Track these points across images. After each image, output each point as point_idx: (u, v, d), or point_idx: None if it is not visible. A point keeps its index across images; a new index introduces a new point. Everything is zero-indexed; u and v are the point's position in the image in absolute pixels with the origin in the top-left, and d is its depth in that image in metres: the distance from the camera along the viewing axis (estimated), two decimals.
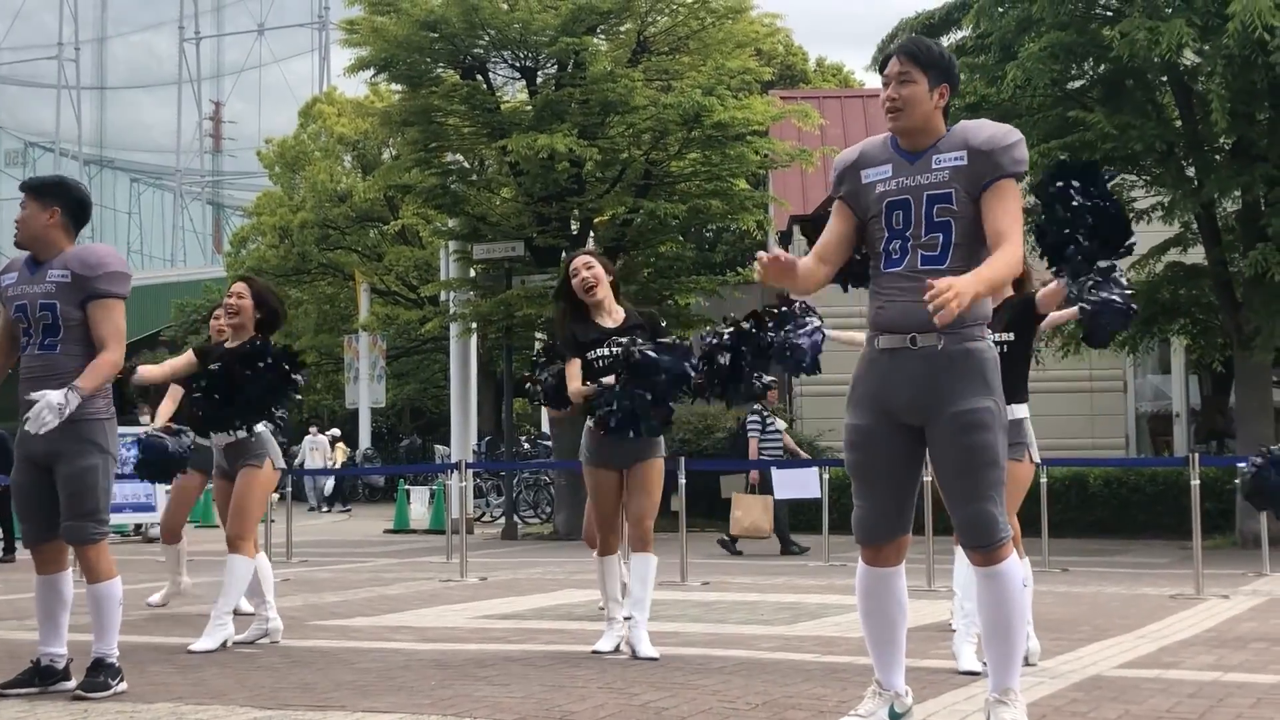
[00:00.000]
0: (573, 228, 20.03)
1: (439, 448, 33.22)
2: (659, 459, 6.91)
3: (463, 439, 23.23)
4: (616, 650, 6.85)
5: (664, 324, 7.14)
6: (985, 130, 4.51)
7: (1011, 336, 6.54)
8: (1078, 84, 16.55)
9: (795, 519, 18.88)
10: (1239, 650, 7.00)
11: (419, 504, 23.19)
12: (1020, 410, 6.39)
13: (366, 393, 34.61)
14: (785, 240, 23.84)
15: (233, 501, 7.53)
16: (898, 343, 4.46)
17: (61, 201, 5.91)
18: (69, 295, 5.80)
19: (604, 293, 6.93)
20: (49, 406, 5.50)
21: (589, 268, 6.93)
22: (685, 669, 6.31)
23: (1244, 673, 6.18)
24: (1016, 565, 4.45)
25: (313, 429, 30.84)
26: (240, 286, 7.59)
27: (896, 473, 4.54)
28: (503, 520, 21.28)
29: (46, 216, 5.88)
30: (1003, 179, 4.45)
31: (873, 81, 27.72)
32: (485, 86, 19.98)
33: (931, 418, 4.44)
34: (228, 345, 7.54)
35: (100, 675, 5.77)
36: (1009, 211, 4.45)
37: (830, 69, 41.58)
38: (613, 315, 6.97)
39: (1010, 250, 4.38)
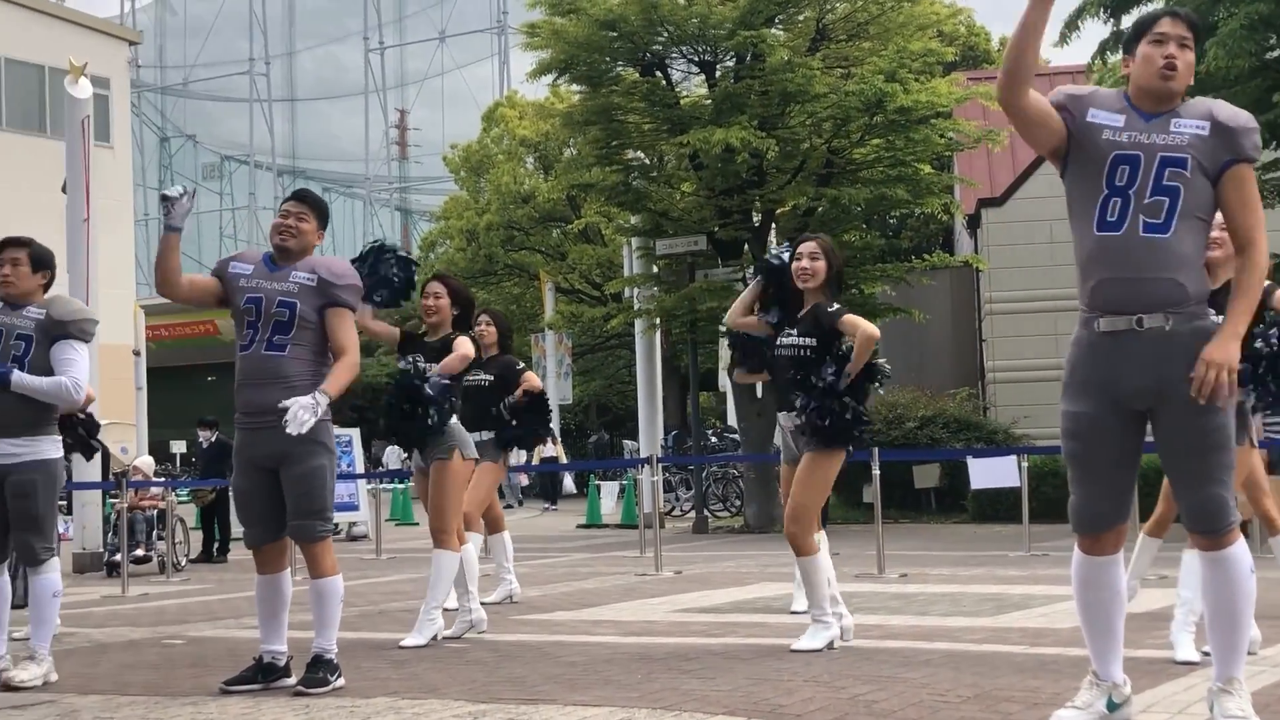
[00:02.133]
0: (754, 220, 20.00)
1: (627, 443, 33.52)
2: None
3: (650, 433, 23.39)
4: (830, 646, 6.75)
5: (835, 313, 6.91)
6: (1229, 109, 4.37)
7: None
8: (1276, 53, 15.96)
9: (993, 509, 18.62)
10: None
11: (609, 499, 23.43)
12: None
13: (554, 390, 35.02)
14: (975, 223, 23.47)
15: (430, 497, 7.69)
16: (1122, 325, 4.31)
17: (325, 220, 6.26)
18: (311, 298, 6.02)
19: (816, 283, 6.84)
20: (305, 407, 5.71)
21: (814, 258, 6.83)
22: (891, 662, 6.26)
23: None
24: (1245, 551, 4.31)
25: None
26: (437, 286, 7.79)
27: (1119, 460, 4.41)
28: (692, 514, 21.37)
29: (318, 237, 6.22)
30: (1241, 163, 4.32)
31: (1058, 59, 27.14)
32: (664, 83, 20.07)
33: (1160, 402, 4.30)
34: (427, 339, 7.73)
35: (320, 671, 5.95)
36: (1250, 204, 4.32)
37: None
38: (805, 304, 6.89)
39: (1256, 261, 4.31)
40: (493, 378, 9.31)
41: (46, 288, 6.64)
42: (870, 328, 6.68)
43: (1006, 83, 4.40)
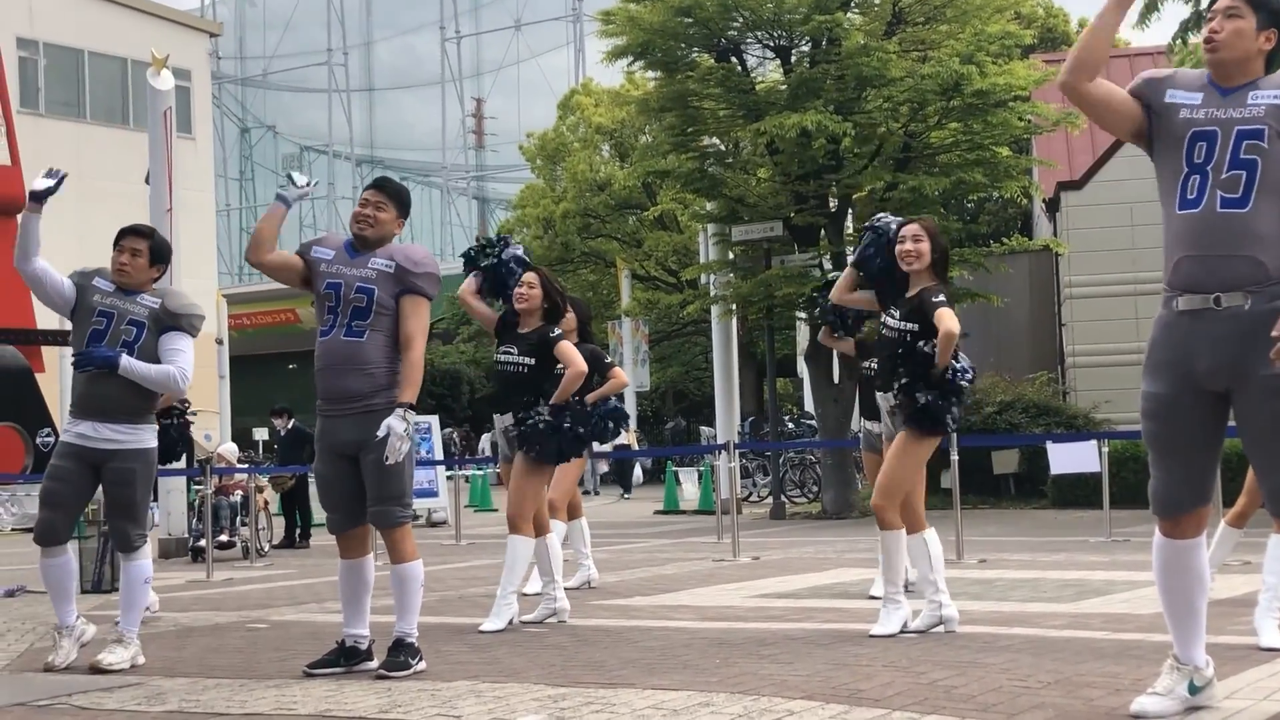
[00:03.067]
0: (830, 205, 19.91)
1: (704, 429, 33.53)
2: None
3: (727, 420, 23.37)
4: (903, 630, 6.76)
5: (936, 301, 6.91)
6: None
7: None
8: None
9: (1072, 494, 18.45)
10: None
11: (688, 485, 23.44)
12: None
13: (631, 377, 35.08)
14: (1054, 206, 23.22)
15: (511, 484, 7.77)
16: (1199, 304, 4.27)
17: (405, 209, 6.31)
18: (389, 284, 6.09)
19: (922, 266, 6.76)
20: (398, 435, 5.82)
21: (917, 240, 6.76)
22: (971, 647, 6.24)
23: None
24: None
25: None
26: (532, 276, 7.87)
27: (1198, 442, 4.37)
28: (769, 500, 21.34)
29: (398, 225, 6.27)
30: None
31: (1139, 41, 26.70)
32: (740, 68, 20.02)
33: (1239, 383, 4.25)
34: (520, 330, 7.79)
35: (401, 655, 6.03)
36: None
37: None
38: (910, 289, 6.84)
39: None
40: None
41: (158, 280, 6.77)
42: (951, 325, 6.59)
43: (1072, 68, 4.42)
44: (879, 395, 7.07)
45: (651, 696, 5.18)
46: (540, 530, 8.00)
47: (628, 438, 28.35)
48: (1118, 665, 5.57)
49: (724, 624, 7.50)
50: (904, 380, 6.69)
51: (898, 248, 6.79)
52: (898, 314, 6.79)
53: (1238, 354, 4.24)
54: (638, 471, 27.91)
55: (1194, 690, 4.48)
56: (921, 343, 6.68)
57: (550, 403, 7.61)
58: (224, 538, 15.10)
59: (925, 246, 6.75)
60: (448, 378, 41.72)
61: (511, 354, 7.73)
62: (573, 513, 9.85)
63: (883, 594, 6.90)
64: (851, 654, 6.13)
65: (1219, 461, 4.48)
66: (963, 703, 4.86)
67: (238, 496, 15.46)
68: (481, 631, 7.44)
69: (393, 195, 6.30)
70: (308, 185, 6.23)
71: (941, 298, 6.70)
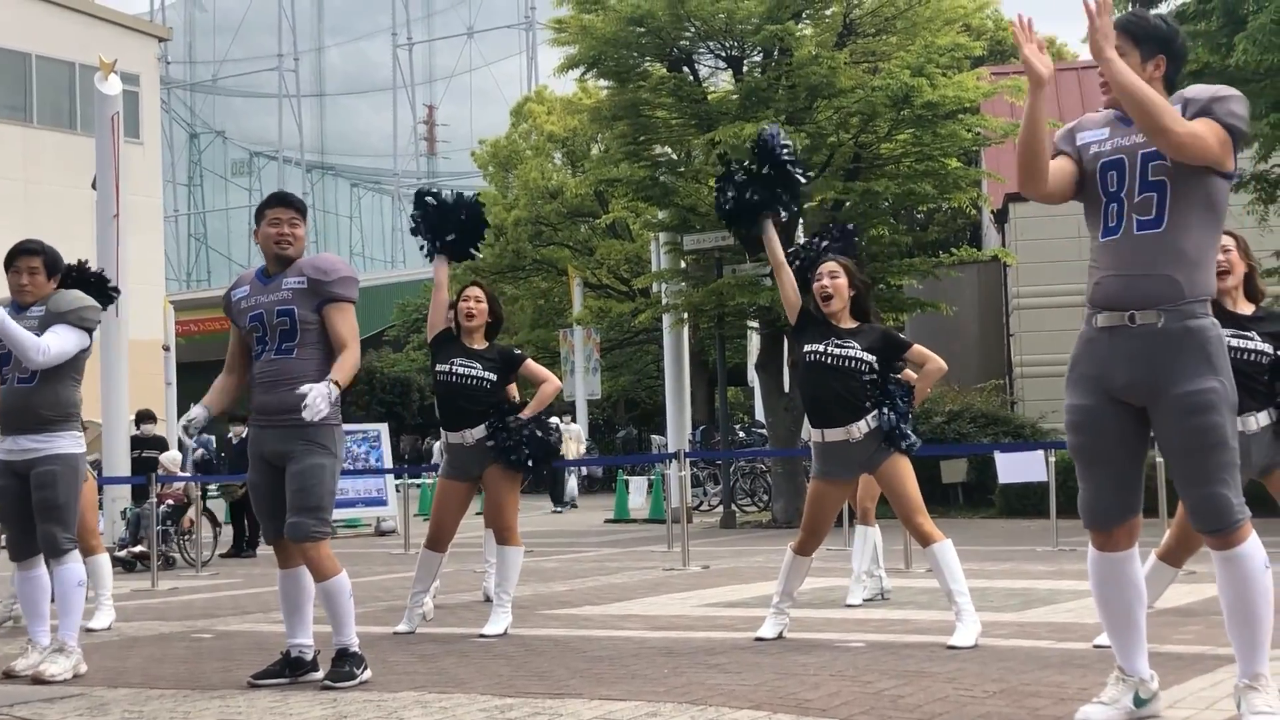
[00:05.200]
0: (782, 214, 19.94)
1: (655, 438, 33.52)
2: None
3: (678, 428, 23.38)
4: (780, 636, 6.98)
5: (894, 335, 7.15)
6: (1200, 87, 4.41)
7: (1269, 348, 6.37)
8: None
9: (1020, 503, 18.55)
10: None
11: (637, 494, 23.43)
12: (1264, 417, 6.41)
13: (582, 385, 35.11)
14: (1002, 218, 23.39)
15: (491, 498, 7.90)
16: (1116, 320, 4.35)
17: (304, 216, 6.32)
18: (306, 300, 6.06)
19: (837, 306, 6.97)
20: (321, 395, 5.75)
21: (834, 276, 6.99)
22: (918, 656, 6.26)
23: None
24: (1257, 547, 4.30)
25: (566, 417, 30.28)
26: (478, 291, 8.01)
27: (1121, 454, 4.42)
28: (720, 509, 21.37)
29: (304, 235, 6.29)
30: (1202, 117, 4.30)
31: (1087, 54, 26.81)
32: (692, 78, 20.06)
33: (1154, 399, 4.32)
34: (466, 343, 7.83)
35: (345, 665, 5.98)
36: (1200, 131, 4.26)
37: (1044, 41, 40.57)
38: (843, 323, 7.01)
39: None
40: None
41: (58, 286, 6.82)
42: (940, 360, 7.19)
43: (1027, 179, 4.45)
44: (829, 431, 7.00)
45: (599, 707, 5.17)
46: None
47: (565, 446, 28.27)
48: (1062, 674, 5.60)
49: (673, 633, 7.50)
50: (880, 408, 6.87)
51: (814, 284, 6.97)
52: (855, 344, 6.90)
53: (1152, 371, 4.31)
54: (572, 483, 27.71)
55: (1139, 702, 4.51)
56: (875, 375, 6.89)
57: (524, 416, 7.80)
58: (140, 548, 14.85)
59: (842, 283, 6.94)
60: (397, 385, 41.53)
61: (474, 369, 7.76)
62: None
63: (953, 605, 6.84)
64: (799, 663, 6.14)
65: (1143, 472, 4.52)
66: (909, 712, 4.88)
67: (167, 506, 15.23)
68: (483, 636, 7.52)
69: (301, 209, 6.32)
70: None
71: (901, 335, 7.17)
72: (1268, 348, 6.27)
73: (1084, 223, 4.58)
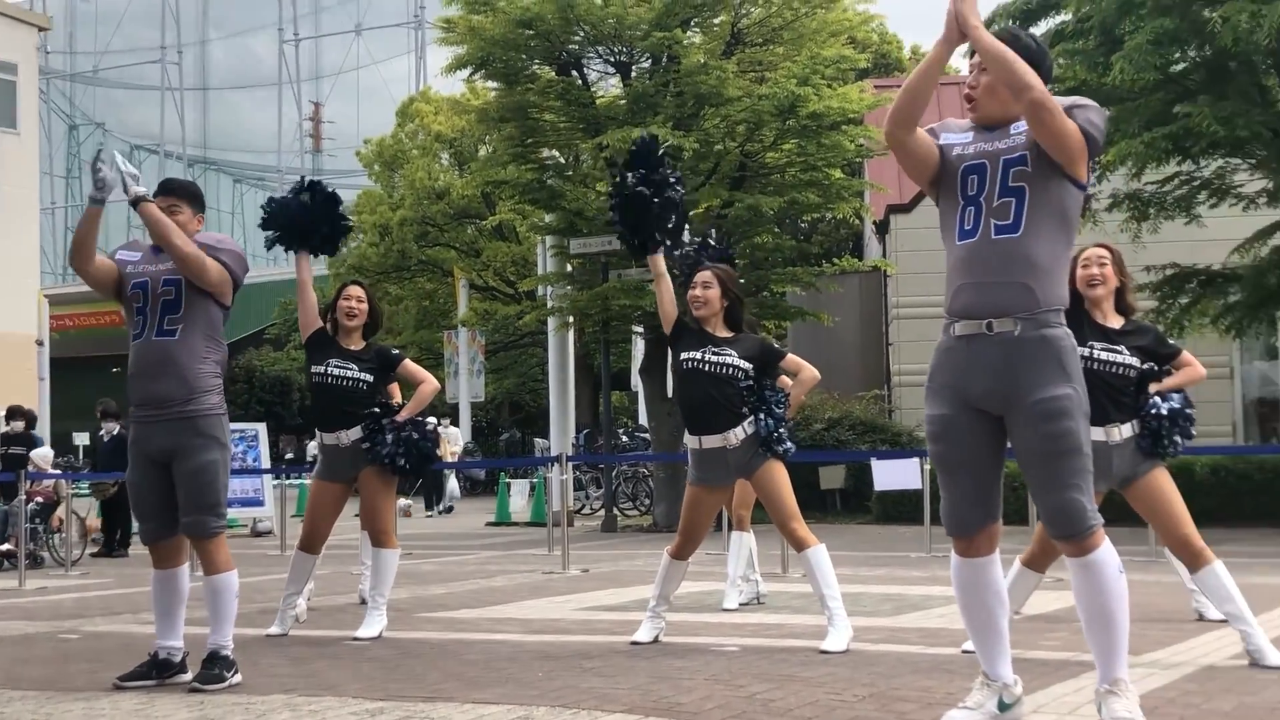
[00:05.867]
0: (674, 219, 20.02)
1: (538, 441, 33.46)
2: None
3: (561, 432, 23.38)
4: (656, 640, 7.03)
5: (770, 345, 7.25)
6: (1060, 98, 4.48)
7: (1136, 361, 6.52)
8: (1180, 67, 16.27)
9: (896, 510, 18.80)
10: None
11: (519, 497, 23.37)
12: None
13: (466, 387, 34.94)
14: (883, 229, 23.70)
15: (367, 500, 7.83)
16: (974, 329, 4.42)
17: (199, 204, 6.28)
18: None
19: (708, 314, 7.02)
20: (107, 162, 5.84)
21: (706, 286, 7.05)
22: (791, 661, 6.32)
23: None
24: (1111, 553, 4.38)
25: (445, 419, 29.92)
26: (359, 290, 7.99)
27: (979, 461, 4.50)
28: (602, 512, 21.39)
29: (197, 222, 6.22)
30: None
31: (966, 69, 27.30)
32: (580, 82, 20.06)
33: (1010, 407, 4.40)
34: (350, 347, 7.78)
35: (215, 668, 5.90)
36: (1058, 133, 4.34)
37: (925, 56, 41.24)
38: (719, 332, 7.07)
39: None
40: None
41: None
42: (814, 370, 7.24)
43: (899, 120, 4.52)
44: (706, 439, 7.04)
45: (471, 711, 5.15)
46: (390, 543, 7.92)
47: (442, 448, 27.95)
48: (930, 679, 5.69)
49: (550, 637, 7.49)
50: (757, 414, 6.94)
51: (688, 293, 7.07)
52: (732, 351, 6.97)
53: (1009, 379, 4.38)
54: (452, 486, 27.45)
55: (1003, 707, 4.58)
56: (752, 382, 6.96)
57: (401, 417, 7.74)
58: (7, 546, 14.50)
59: (714, 293, 6.99)
60: (277, 385, 41.00)
61: (350, 370, 7.70)
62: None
63: (826, 611, 6.89)
64: (674, 667, 6.17)
65: (1001, 480, 4.61)
66: (779, 715, 4.93)
67: (36, 503, 14.89)
68: (356, 639, 7.44)
69: (184, 195, 6.25)
70: (100, 164, 6.11)
71: (777, 344, 7.25)
72: (1135, 361, 6.41)
73: None
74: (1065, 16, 17.18)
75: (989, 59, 4.39)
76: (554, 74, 19.87)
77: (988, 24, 16.28)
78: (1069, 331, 4.46)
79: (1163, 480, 6.36)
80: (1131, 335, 6.48)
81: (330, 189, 7.94)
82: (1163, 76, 15.77)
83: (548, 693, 5.50)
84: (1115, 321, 6.52)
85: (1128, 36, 15.02)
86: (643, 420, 27.38)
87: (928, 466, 14.14)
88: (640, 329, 20.31)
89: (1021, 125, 4.46)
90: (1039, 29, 17.25)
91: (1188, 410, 6.50)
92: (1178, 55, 15.99)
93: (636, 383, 26.66)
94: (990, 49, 4.37)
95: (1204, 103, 14.90)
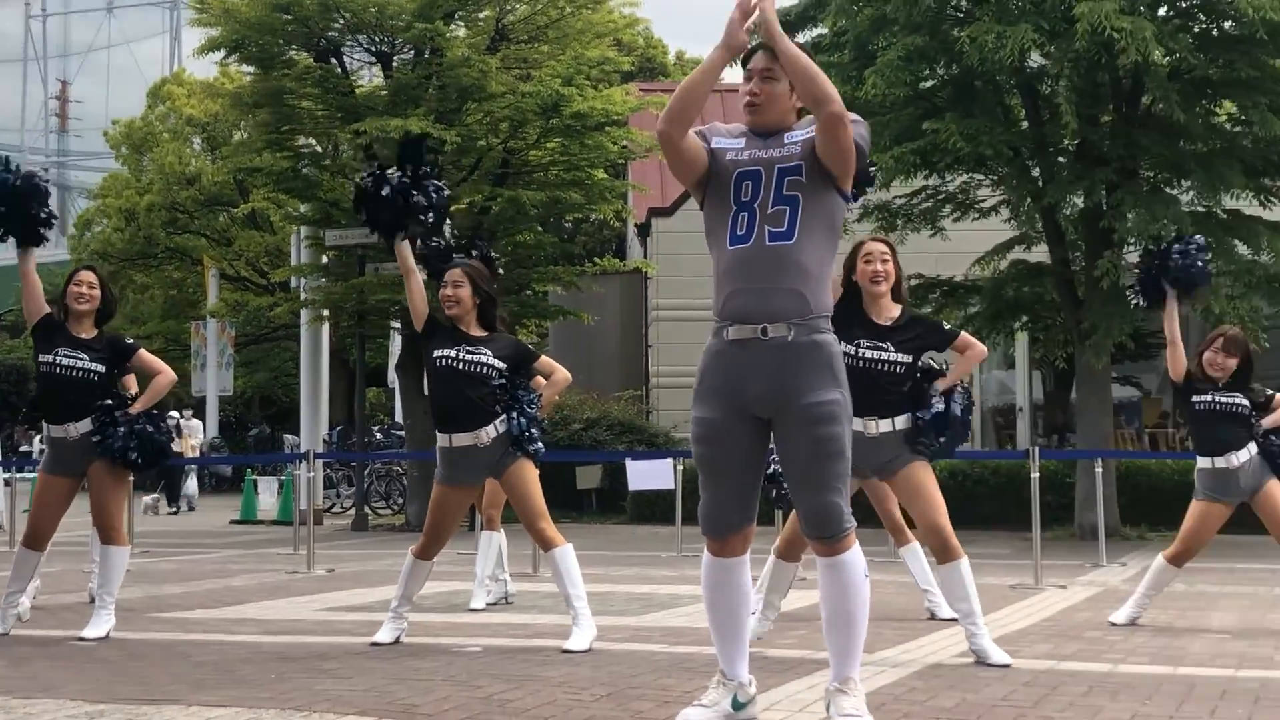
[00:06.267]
0: (429, 216, 19.80)
1: (288, 437, 32.75)
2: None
3: (312, 428, 22.89)
4: (397, 641, 6.90)
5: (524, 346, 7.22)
6: None
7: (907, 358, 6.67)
8: (930, 84, 16.80)
9: (651, 510, 18.97)
10: (1073, 640, 7.16)
11: (267, 494, 22.81)
12: (900, 420, 6.65)
13: (214, 380, 33.94)
14: (645, 231, 23.88)
15: (96, 496, 7.51)
16: (748, 333, 4.45)
17: None
18: None
19: (460, 312, 6.95)
20: None
21: (457, 285, 6.96)
22: (532, 661, 6.28)
23: (1078, 661, 6.32)
24: (859, 556, 4.48)
25: (187, 412, 28.78)
26: (91, 276, 7.65)
27: (744, 465, 4.55)
28: (353, 511, 21.02)
29: None
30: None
31: (733, 77, 27.68)
32: (340, 70, 19.67)
33: (781, 409, 4.44)
34: (80, 335, 7.44)
35: None
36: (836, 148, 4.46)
37: (691, 62, 41.79)
38: (474, 331, 6.98)
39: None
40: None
41: None
42: (566, 372, 7.52)
43: (672, 119, 4.52)
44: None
45: (198, 713, 4.96)
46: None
47: (180, 443, 27.15)
48: (670, 678, 5.71)
49: (288, 638, 7.29)
50: (510, 413, 6.91)
51: (440, 292, 7.01)
52: (489, 351, 6.92)
53: (781, 382, 4.44)
54: (191, 483, 26.52)
55: (737, 706, 4.63)
56: (505, 381, 6.93)
57: (135, 410, 7.45)
58: None
59: (465, 292, 6.95)
60: (14, 373, 39.15)
61: (80, 360, 7.36)
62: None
63: (571, 610, 6.86)
64: (413, 668, 6.06)
65: (760, 484, 4.66)
66: (516, 716, 4.87)
67: None
68: (81, 639, 7.13)
69: None
70: None
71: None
72: (905, 358, 6.52)
73: None
74: (823, 30, 17.57)
75: (794, 69, 4.43)
76: (312, 60, 19.42)
77: (750, 33, 16.51)
78: (836, 338, 4.55)
79: (920, 472, 6.48)
80: (902, 331, 6.57)
81: (34, 180, 7.49)
82: (913, 92, 16.26)
83: (279, 695, 5.34)
84: (891, 313, 6.62)
85: (881, 52, 15.43)
86: (399, 418, 27.02)
87: (681, 467, 14.31)
88: (397, 324, 20.03)
89: (796, 135, 4.53)
90: (797, 41, 17.59)
91: (964, 415, 6.64)
92: (927, 72, 16.50)
93: (393, 378, 26.29)
94: (797, 59, 4.41)
95: (951, 119, 15.39)
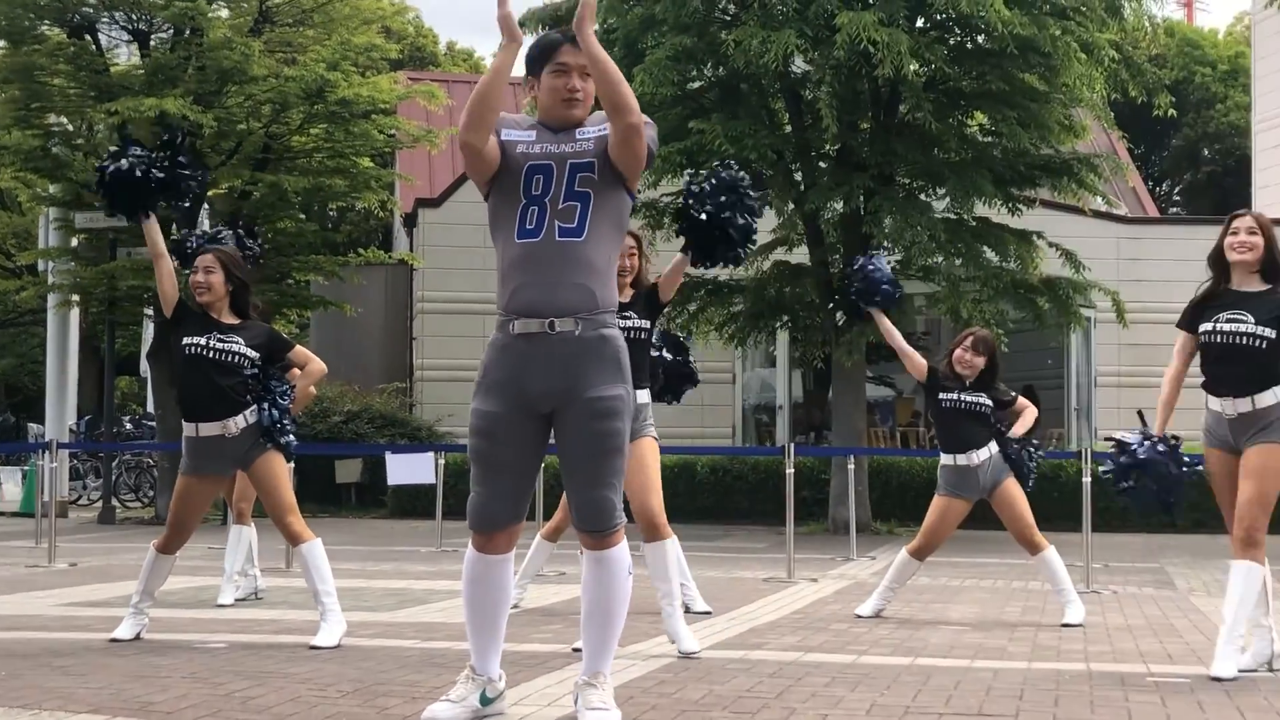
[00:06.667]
0: (185, 201, 19.22)
1: (33, 426, 31.38)
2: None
3: (59, 417, 21.97)
4: (138, 638, 6.70)
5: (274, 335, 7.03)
6: None
7: (647, 324, 6.81)
8: (697, 84, 17.02)
9: (412, 504, 18.77)
10: (821, 632, 7.34)
11: (10, 485, 21.86)
12: (643, 395, 6.81)
13: None
14: (412, 222, 23.62)
15: None
16: (535, 328, 4.43)
17: None
18: None
19: (212, 299, 6.78)
20: None
21: (209, 272, 6.80)
22: (278, 657, 6.13)
23: (823, 653, 6.47)
24: (626, 553, 4.51)
25: None
26: None
27: (522, 461, 4.53)
28: (100, 503, 20.26)
29: None
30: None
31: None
32: (94, 47, 18.94)
33: (565, 403, 4.44)
34: None
35: None
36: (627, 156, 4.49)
37: (461, 53, 41.57)
38: (225, 319, 6.81)
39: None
40: None
41: None
42: (321, 363, 7.34)
43: (474, 125, 4.47)
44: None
45: None
46: None
47: None
48: (419, 673, 5.65)
49: (22, 634, 6.97)
50: (261, 404, 6.80)
51: (191, 278, 6.86)
52: (241, 340, 6.78)
53: (567, 376, 4.43)
54: None
55: (485, 701, 4.60)
56: (257, 371, 6.83)
57: None
58: None
59: (217, 279, 6.81)
60: None
61: None
62: None
63: (319, 606, 6.68)
64: (153, 665, 5.86)
65: (535, 482, 4.66)
66: (258, 713, 4.75)
67: None
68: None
69: None
70: None
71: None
72: (646, 324, 6.79)
73: (488, 234, 4.64)
74: (594, 27, 17.61)
75: (600, 73, 4.42)
76: (65, 36, 18.66)
77: (519, 26, 16.31)
78: (621, 334, 4.56)
79: (645, 448, 6.65)
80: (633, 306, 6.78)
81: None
82: (680, 92, 16.46)
83: (9, 693, 5.10)
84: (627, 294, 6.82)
85: (649, 51, 15.58)
86: (151, 407, 26.15)
87: (443, 461, 14.20)
88: (150, 311, 19.37)
89: (588, 131, 4.53)
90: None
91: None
92: (695, 73, 16.73)
93: (145, 368, 25.43)
94: (606, 64, 4.41)
95: (717, 121, 15.64)
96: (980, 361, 7.88)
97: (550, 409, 4.47)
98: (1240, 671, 5.87)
